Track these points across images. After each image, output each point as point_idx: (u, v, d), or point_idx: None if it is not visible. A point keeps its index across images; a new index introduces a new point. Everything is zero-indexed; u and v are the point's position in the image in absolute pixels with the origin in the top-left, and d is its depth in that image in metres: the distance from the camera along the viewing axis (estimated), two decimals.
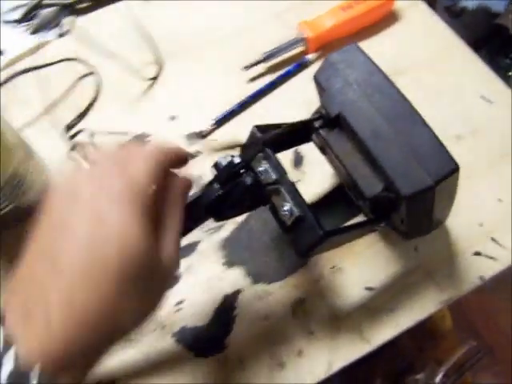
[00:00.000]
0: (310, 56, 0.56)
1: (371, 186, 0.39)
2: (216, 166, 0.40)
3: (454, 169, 0.36)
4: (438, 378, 0.64)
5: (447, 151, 0.36)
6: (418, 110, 0.38)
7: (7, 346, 0.27)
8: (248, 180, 0.39)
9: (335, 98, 0.41)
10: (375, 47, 0.57)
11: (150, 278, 0.28)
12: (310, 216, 0.38)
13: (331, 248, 0.46)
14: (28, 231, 0.30)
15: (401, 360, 0.67)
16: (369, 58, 0.41)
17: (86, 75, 0.57)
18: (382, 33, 0.58)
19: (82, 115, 0.53)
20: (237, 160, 0.40)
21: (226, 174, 0.39)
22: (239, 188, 0.39)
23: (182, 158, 0.35)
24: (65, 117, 0.54)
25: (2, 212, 0.48)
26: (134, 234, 0.27)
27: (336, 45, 0.56)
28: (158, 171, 0.31)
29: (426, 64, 0.57)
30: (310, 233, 0.38)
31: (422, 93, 0.53)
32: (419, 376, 0.65)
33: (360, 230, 0.44)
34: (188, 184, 0.36)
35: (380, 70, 0.40)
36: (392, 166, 0.37)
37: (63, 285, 0.26)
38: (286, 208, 0.38)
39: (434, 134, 0.37)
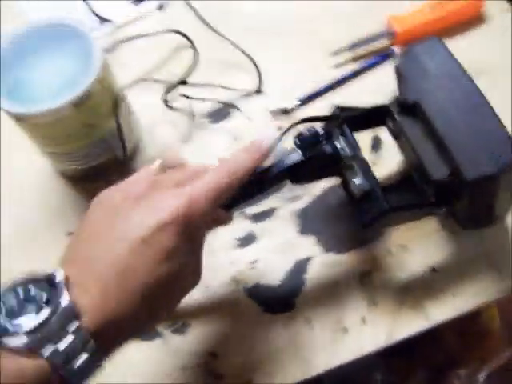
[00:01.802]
0: (396, 49, 0.59)
1: (438, 170, 0.42)
2: (299, 135, 0.44)
3: None
4: (481, 376, 0.66)
5: None
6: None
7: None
8: (328, 149, 0.43)
9: (413, 86, 0.44)
10: (458, 47, 0.59)
11: (175, 292, 0.36)
12: (378, 191, 0.42)
13: (392, 225, 0.49)
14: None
15: (445, 354, 0.69)
16: (449, 52, 0.44)
17: (183, 47, 0.61)
18: (467, 33, 0.60)
19: (178, 83, 0.57)
20: (320, 131, 0.44)
21: (309, 142, 0.43)
22: (319, 156, 0.43)
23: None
24: (162, 83, 0.59)
25: (98, 162, 0.53)
26: (176, 259, 0.34)
27: None
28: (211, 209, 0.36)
29: (506, 68, 0.59)
30: (375, 206, 0.42)
31: (498, 95, 0.55)
32: (462, 372, 0.67)
33: (421, 211, 0.47)
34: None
35: (458, 64, 0.44)
36: (459, 152, 0.40)
37: (113, 277, 0.32)
38: (356, 182, 0.43)
39: (504, 127, 0.40)
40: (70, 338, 0.30)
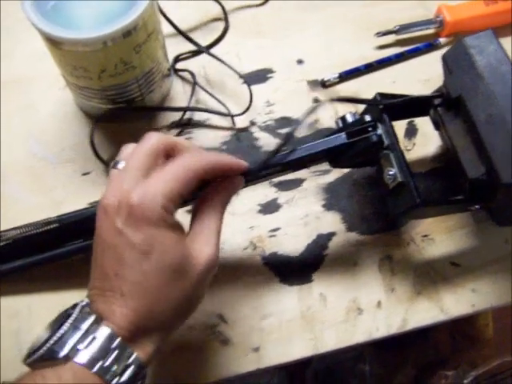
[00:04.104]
0: (441, 39, 0.57)
1: (474, 168, 0.41)
2: (343, 119, 0.44)
3: None
4: (467, 380, 0.66)
5: None
6: None
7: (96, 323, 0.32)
8: (374, 138, 0.42)
9: (459, 80, 0.43)
10: (508, 48, 0.58)
11: (185, 276, 0.34)
12: (412, 184, 0.41)
13: (423, 217, 0.48)
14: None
15: (435, 353, 0.69)
16: (501, 47, 0.43)
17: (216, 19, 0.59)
18: None
19: (209, 46, 0.55)
20: (368, 118, 0.43)
21: (355, 127, 0.42)
22: (364, 143, 0.42)
23: (227, 170, 0.37)
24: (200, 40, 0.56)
25: (125, 104, 0.50)
26: (161, 248, 0.33)
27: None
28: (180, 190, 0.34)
29: None
30: (407, 198, 0.41)
31: None
32: (450, 373, 0.66)
33: (454, 207, 0.46)
34: (236, 185, 0.39)
35: (509, 60, 0.42)
36: (498, 152, 0.39)
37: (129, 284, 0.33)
38: (391, 172, 0.41)
39: None
40: (114, 354, 0.31)
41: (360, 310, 0.46)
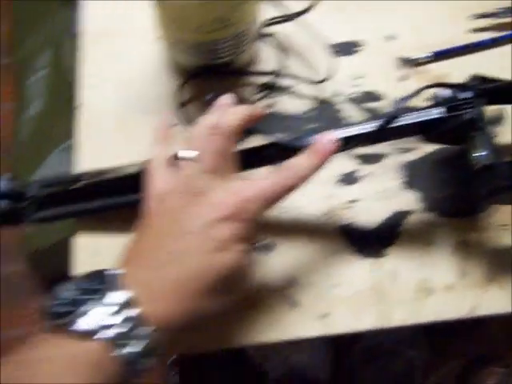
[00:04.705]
0: None
1: None
2: (438, 95, 0.43)
3: None
4: None
5: None
6: None
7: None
8: (469, 116, 0.41)
9: None
10: None
11: (235, 282, 0.37)
12: (502, 166, 0.40)
13: (508, 203, 0.47)
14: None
15: (488, 348, 0.68)
16: None
17: None
18: None
19: (299, 13, 0.55)
20: (464, 95, 0.43)
21: (450, 103, 0.42)
22: (459, 119, 0.41)
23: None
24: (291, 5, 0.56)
25: (221, 61, 0.51)
26: (235, 250, 0.35)
27: None
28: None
29: None
30: (495, 181, 0.40)
31: None
32: (501, 370, 0.66)
33: None
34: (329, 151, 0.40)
35: None
36: None
37: (175, 272, 0.34)
38: (480, 153, 0.41)
39: None
40: (129, 327, 0.32)
41: (430, 290, 0.45)
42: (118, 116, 0.52)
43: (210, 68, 0.52)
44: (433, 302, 0.45)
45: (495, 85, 0.43)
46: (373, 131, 0.41)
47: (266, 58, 0.55)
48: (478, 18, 0.56)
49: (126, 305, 0.32)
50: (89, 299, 0.32)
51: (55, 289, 0.33)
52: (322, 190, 0.49)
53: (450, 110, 0.42)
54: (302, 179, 0.38)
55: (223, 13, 0.46)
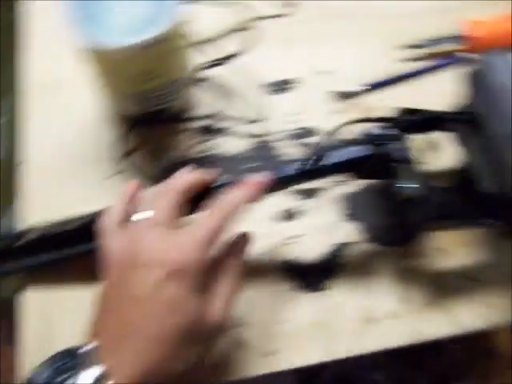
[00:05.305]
0: (467, 55, 0.58)
1: (490, 184, 0.42)
2: (367, 131, 0.45)
3: None
4: None
5: None
6: None
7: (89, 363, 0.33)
8: (398, 151, 0.43)
9: (479, 97, 0.44)
10: None
11: (197, 336, 0.36)
12: (426, 197, 0.41)
13: (439, 230, 0.49)
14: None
15: (448, 366, 0.69)
16: None
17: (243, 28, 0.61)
18: None
19: (235, 55, 0.57)
20: (392, 131, 0.44)
21: (381, 139, 0.44)
22: (385, 156, 0.43)
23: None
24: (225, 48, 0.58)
25: (159, 108, 0.52)
26: (186, 308, 0.35)
27: None
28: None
29: None
30: (418, 213, 0.42)
31: None
32: None
33: (468, 221, 0.47)
34: (244, 242, 0.41)
35: None
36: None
37: (136, 339, 0.34)
38: (407, 185, 0.42)
39: None
40: None
41: (374, 319, 0.46)
42: (60, 169, 0.53)
43: (149, 116, 0.53)
44: (377, 331, 0.46)
45: (418, 117, 0.45)
46: (296, 174, 0.42)
47: (204, 101, 0.57)
48: (409, 48, 0.58)
49: (99, 380, 0.32)
50: (64, 380, 0.33)
51: (31, 373, 0.34)
52: (262, 228, 0.49)
53: (374, 145, 0.43)
54: (234, 211, 0.38)
55: (157, 62, 0.47)
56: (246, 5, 0.61)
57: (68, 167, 0.53)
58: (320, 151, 0.43)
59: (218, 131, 0.55)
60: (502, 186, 0.40)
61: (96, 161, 0.53)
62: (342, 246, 0.49)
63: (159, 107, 0.53)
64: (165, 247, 0.36)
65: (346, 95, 0.56)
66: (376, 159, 0.43)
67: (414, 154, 0.44)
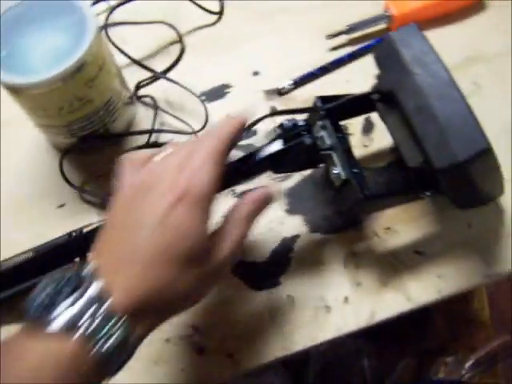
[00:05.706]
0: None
1: (413, 157, 0.43)
2: (281, 126, 0.46)
3: (485, 149, 0.39)
4: (467, 364, 0.66)
5: (482, 131, 0.39)
6: (490, 95, 0.40)
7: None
8: (307, 141, 0.44)
9: (389, 74, 0.45)
10: (457, 33, 0.59)
11: (199, 265, 0.36)
12: (354, 180, 0.42)
13: (378, 209, 0.50)
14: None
15: (433, 341, 0.69)
16: (425, 39, 0.44)
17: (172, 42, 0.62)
18: (466, 20, 0.60)
19: (167, 70, 0.58)
20: (301, 122, 0.45)
21: (289, 132, 0.45)
22: (299, 146, 0.44)
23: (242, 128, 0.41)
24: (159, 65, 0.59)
25: (91, 135, 0.53)
26: (192, 232, 0.35)
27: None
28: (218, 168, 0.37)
29: (505, 56, 0.58)
30: (353, 195, 0.43)
31: (497, 80, 0.55)
32: (449, 359, 0.67)
33: (403, 197, 0.48)
34: (266, 198, 0.41)
35: (433, 51, 0.43)
36: (430, 140, 0.40)
37: (140, 259, 0.34)
38: (335, 171, 0.43)
39: (472, 114, 0.40)
40: (100, 321, 0.31)
41: (328, 307, 0.47)
42: (7, 203, 0.54)
43: (87, 141, 0.54)
44: (332, 318, 0.47)
45: (336, 103, 0.46)
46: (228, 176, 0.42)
47: (145, 118, 0.58)
48: (333, 37, 0.59)
49: (98, 298, 0.32)
50: (63, 297, 0.32)
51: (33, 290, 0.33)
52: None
53: (286, 140, 0.44)
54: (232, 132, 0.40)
55: (79, 92, 0.48)
56: (173, 20, 0.62)
57: (12, 204, 0.54)
58: (249, 152, 0.43)
59: (161, 145, 0.55)
60: (424, 157, 0.41)
61: (40, 194, 0.54)
62: (290, 241, 0.50)
63: (96, 131, 0.53)
64: (171, 177, 0.36)
65: (278, 92, 0.57)
66: (299, 150, 0.44)
67: (339, 139, 0.44)
